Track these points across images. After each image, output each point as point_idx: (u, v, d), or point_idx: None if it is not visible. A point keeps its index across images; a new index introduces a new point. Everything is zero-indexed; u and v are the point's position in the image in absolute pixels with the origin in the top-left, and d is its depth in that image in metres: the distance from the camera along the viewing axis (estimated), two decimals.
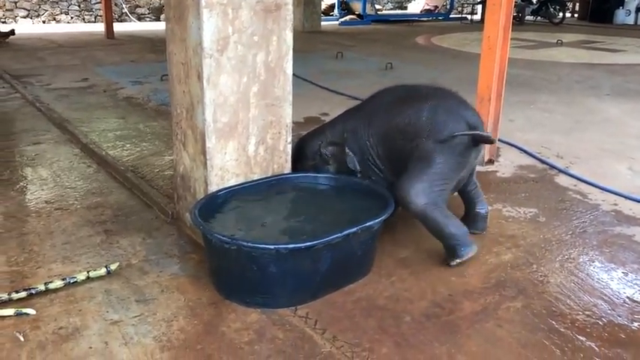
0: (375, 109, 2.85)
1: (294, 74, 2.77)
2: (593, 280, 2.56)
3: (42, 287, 2.33)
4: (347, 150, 2.86)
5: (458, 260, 2.60)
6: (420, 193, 2.55)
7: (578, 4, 18.56)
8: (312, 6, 12.97)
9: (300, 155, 3.02)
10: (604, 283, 2.53)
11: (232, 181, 2.68)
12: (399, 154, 2.70)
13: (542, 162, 4.10)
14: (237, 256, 2.21)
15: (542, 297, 2.41)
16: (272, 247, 2.17)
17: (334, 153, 2.93)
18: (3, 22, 11.74)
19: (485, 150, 3.98)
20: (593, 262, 2.72)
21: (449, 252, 2.63)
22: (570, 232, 3.01)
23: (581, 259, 2.73)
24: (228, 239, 2.19)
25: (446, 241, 2.63)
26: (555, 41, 11.32)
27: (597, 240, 2.93)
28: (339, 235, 2.26)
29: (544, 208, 3.32)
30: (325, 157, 2.95)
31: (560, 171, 3.92)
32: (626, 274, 2.60)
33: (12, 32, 9.38)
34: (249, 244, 2.18)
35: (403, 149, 2.67)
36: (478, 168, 3.90)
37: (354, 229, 2.31)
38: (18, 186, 3.51)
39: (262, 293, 2.27)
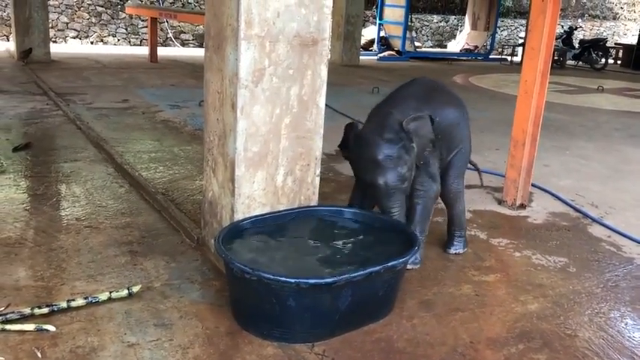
0: (411, 95, 2.99)
1: (328, 106, 2.78)
2: (623, 337, 2.46)
3: (64, 304, 2.36)
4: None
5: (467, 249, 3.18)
6: (462, 184, 3.12)
7: (621, 50, 18.33)
8: (352, 40, 13.10)
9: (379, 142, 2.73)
10: (635, 342, 2.43)
11: (258, 211, 2.69)
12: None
13: (576, 210, 4.01)
14: (256, 288, 2.20)
15: (568, 351, 2.32)
16: (292, 280, 2.15)
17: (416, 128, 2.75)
18: (54, 42, 12.16)
19: (518, 195, 3.93)
20: (625, 318, 2.62)
21: (460, 240, 3.13)
22: (602, 285, 2.91)
23: (612, 315, 2.63)
24: (249, 269, 2.18)
25: (463, 229, 3.15)
26: (596, 87, 11.16)
27: (630, 295, 2.83)
28: (362, 273, 2.23)
29: (575, 258, 3.23)
30: (409, 134, 2.72)
31: (594, 220, 3.82)
32: None
33: (30, 51, 9.63)
34: (269, 276, 2.17)
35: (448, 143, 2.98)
36: (509, 212, 3.89)
37: (377, 268, 2.28)
38: (51, 202, 3.59)
39: (280, 327, 2.24)
